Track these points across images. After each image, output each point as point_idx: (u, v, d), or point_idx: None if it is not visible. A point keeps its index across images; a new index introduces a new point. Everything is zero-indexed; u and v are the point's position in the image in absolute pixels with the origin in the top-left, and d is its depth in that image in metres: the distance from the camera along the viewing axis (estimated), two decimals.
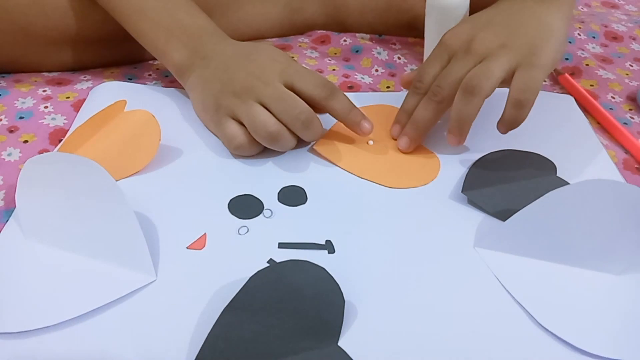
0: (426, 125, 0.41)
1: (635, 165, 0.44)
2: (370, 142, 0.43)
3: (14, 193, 0.35)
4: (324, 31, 0.58)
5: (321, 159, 0.42)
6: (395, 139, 0.43)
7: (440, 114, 0.41)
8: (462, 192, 0.39)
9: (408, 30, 0.58)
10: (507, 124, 0.39)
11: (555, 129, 0.46)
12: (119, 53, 0.53)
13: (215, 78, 0.42)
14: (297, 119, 0.39)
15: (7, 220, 0.36)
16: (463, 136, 0.40)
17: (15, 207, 0.36)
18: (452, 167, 0.42)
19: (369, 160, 0.42)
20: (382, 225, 0.37)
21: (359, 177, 0.41)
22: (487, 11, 0.44)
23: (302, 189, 0.39)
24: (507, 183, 0.39)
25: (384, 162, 0.42)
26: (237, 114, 0.40)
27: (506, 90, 0.38)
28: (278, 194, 0.39)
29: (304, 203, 0.38)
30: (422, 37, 0.52)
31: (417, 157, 0.42)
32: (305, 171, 0.41)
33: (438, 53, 0.42)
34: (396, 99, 0.46)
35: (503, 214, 0.36)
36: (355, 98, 0.49)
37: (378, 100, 0.48)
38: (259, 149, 0.41)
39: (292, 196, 0.39)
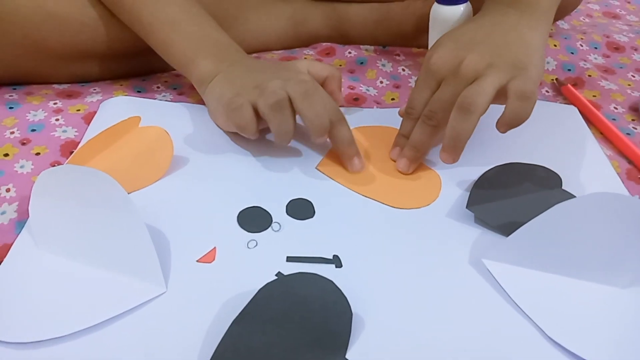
0: (424, 148, 0.42)
1: (639, 176, 0.44)
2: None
3: (27, 205, 0.36)
4: (329, 43, 0.58)
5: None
6: (395, 161, 0.44)
7: (436, 136, 0.41)
8: (466, 207, 0.39)
9: (411, 40, 0.59)
10: (511, 118, 0.38)
11: (558, 139, 0.47)
12: (128, 66, 0.53)
13: (240, 78, 0.43)
14: (303, 83, 0.40)
15: (20, 232, 0.37)
16: (457, 154, 0.40)
17: (28, 218, 0.37)
18: (455, 183, 0.42)
19: (372, 180, 0.42)
20: (389, 241, 0.37)
21: (364, 196, 0.41)
22: (468, 27, 0.44)
23: (310, 202, 0.40)
24: (512, 197, 0.40)
25: (387, 181, 0.42)
26: (255, 99, 0.40)
27: (501, 106, 0.38)
28: (286, 206, 0.39)
29: (312, 217, 0.39)
30: (426, 47, 0.53)
31: (419, 177, 0.43)
32: (313, 184, 0.42)
33: (425, 78, 0.42)
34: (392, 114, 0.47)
35: (509, 229, 0.36)
36: (361, 115, 0.49)
37: (384, 115, 0.49)
38: (256, 129, 0.41)
39: (300, 210, 0.39)
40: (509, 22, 0.43)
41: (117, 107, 0.48)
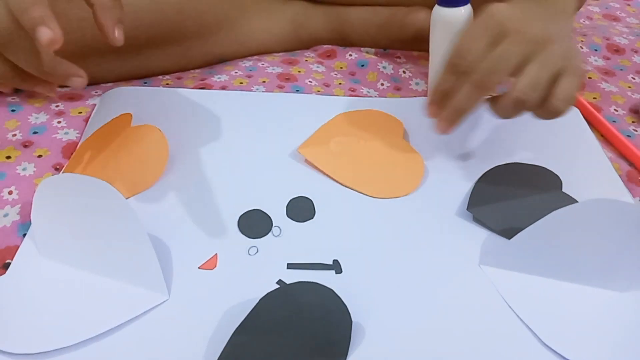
0: (468, 112, 0.38)
1: (639, 177, 0.44)
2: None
3: (29, 207, 0.36)
4: (330, 46, 0.58)
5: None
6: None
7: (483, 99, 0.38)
8: (467, 209, 0.39)
9: (412, 44, 0.59)
10: (549, 114, 0.37)
11: (560, 140, 0.47)
12: (129, 67, 0.53)
13: None
14: None
15: (23, 234, 0.37)
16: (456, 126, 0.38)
17: (30, 221, 0.37)
18: (456, 183, 0.42)
19: (352, 168, 0.42)
20: (390, 243, 0.37)
21: (343, 185, 0.41)
22: (519, 5, 0.39)
23: (310, 200, 0.40)
24: (512, 199, 0.40)
25: (367, 169, 0.42)
26: None
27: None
28: (286, 207, 0.39)
29: (312, 218, 0.39)
30: (426, 51, 0.53)
31: (400, 163, 0.42)
32: (313, 181, 0.42)
33: (486, 26, 0.37)
34: (395, 104, 0.47)
35: (508, 232, 0.36)
36: (352, 102, 0.48)
37: (374, 104, 0.49)
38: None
39: (300, 210, 0.39)
40: (551, 14, 0.41)
41: (117, 98, 0.48)
